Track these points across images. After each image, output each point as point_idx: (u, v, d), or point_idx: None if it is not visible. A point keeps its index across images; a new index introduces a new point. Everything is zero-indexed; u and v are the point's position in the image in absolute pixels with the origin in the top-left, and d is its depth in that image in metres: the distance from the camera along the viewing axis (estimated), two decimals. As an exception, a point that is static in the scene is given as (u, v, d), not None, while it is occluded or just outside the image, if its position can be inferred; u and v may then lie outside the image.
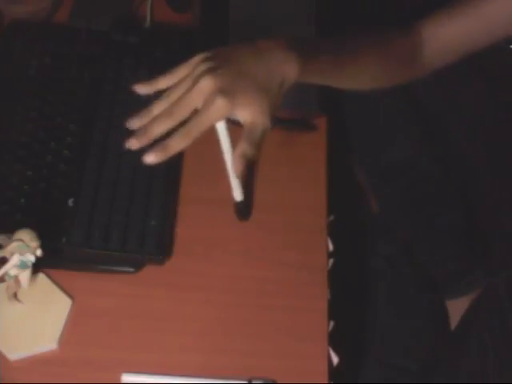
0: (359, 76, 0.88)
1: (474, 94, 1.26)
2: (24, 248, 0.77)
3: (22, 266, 0.79)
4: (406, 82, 0.93)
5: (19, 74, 0.98)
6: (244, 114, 0.74)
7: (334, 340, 0.87)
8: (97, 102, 0.97)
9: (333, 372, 0.84)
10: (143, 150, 0.98)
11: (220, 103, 0.72)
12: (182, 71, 0.76)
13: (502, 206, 1.23)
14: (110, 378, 0.80)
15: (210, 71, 0.73)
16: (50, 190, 0.89)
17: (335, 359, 0.86)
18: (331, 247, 0.94)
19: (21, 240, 0.77)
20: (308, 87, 1.04)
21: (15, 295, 0.82)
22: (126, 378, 0.80)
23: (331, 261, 0.94)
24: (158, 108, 0.76)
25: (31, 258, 0.78)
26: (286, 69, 0.75)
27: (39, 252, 0.79)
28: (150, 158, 0.74)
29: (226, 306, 0.86)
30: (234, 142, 0.99)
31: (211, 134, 1.00)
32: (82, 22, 1.05)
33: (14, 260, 0.78)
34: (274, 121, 1.02)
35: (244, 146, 0.74)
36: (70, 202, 0.88)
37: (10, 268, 0.78)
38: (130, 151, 0.93)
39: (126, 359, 0.81)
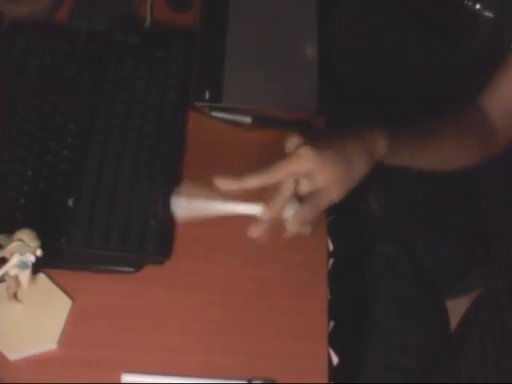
0: (439, 158, 0.93)
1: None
2: (24, 248, 0.77)
3: (22, 266, 0.78)
4: (486, 158, 0.97)
5: (19, 74, 0.98)
6: (324, 179, 0.76)
7: (334, 340, 0.87)
8: (97, 101, 0.97)
9: (333, 372, 0.84)
10: (143, 151, 0.98)
11: (306, 153, 0.75)
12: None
13: (502, 206, 1.23)
14: (110, 378, 0.80)
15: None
16: (50, 190, 0.89)
17: (335, 359, 0.86)
18: (331, 247, 0.94)
19: (21, 240, 0.77)
20: (308, 87, 1.04)
21: (15, 295, 0.82)
22: (125, 377, 0.80)
23: (331, 261, 0.94)
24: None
25: (31, 258, 0.78)
26: (370, 166, 0.80)
27: (39, 252, 0.79)
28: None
29: (226, 306, 0.86)
30: (230, 141, 1.00)
31: (211, 134, 1.00)
32: (82, 22, 1.04)
33: (14, 260, 0.78)
34: (274, 121, 1.02)
35: (307, 210, 0.77)
36: (70, 202, 0.88)
37: (10, 268, 0.78)
38: (130, 151, 0.93)
39: (126, 359, 0.81)
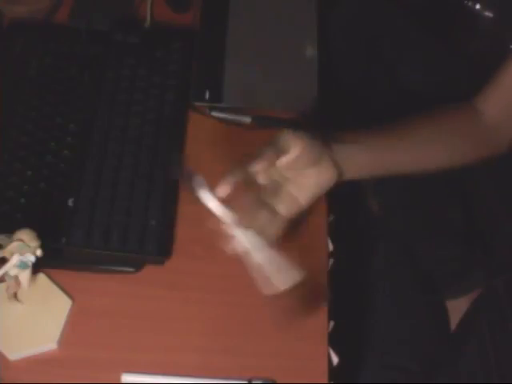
0: (418, 155, 0.90)
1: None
2: (24, 248, 0.77)
3: (22, 266, 0.78)
4: (483, 158, 0.95)
5: (19, 74, 0.98)
6: (305, 162, 0.77)
7: (334, 340, 0.87)
8: (97, 101, 0.97)
9: (333, 372, 0.84)
10: (143, 151, 0.98)
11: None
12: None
13: (502, 207, 1.23)
14: (110, 378, 0.80)
15: None
16: (50, 190, 0.89)
17: (335, 359, 0.86)
18: (331, 247, 0.94)
19: (21, 240, 0.77)
20: (308, 87, 1.04)
21: (15, 295, 0.82)
22: (125, 377, 0.80)
23: (331, 261, 0.94)
24: None
25: (31, 258, 0.78)
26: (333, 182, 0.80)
27: (39, 252, 0.79)
28: None
29: (226, 306, 0.86)
30: (230, 141, 1.00)
31: (211, 134, 1.00)
32: (82, 22, 1.05)
33: (14, 260, 0.78)
34: (274, 121, 1.02)
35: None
36: (70, 201, 0.88)
37: (10, 268, 0.78)
38: (130, 151, 0.93)
39: (126, 359, 0.81)
